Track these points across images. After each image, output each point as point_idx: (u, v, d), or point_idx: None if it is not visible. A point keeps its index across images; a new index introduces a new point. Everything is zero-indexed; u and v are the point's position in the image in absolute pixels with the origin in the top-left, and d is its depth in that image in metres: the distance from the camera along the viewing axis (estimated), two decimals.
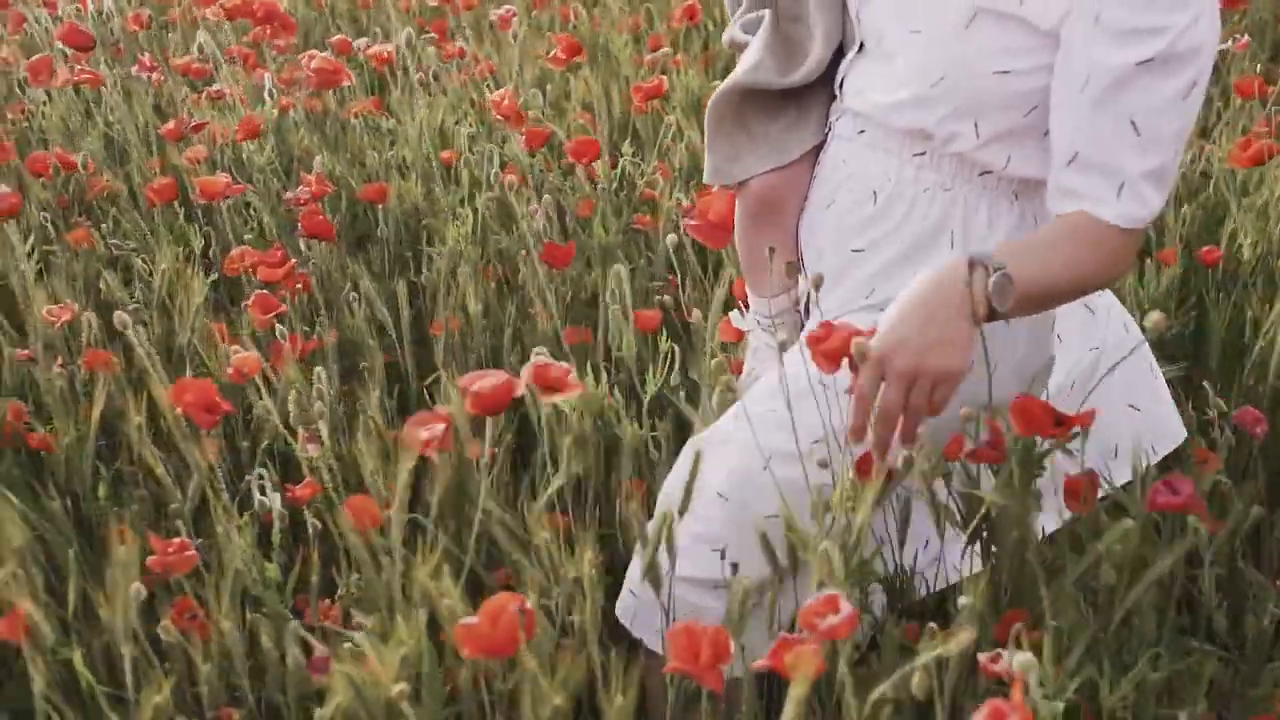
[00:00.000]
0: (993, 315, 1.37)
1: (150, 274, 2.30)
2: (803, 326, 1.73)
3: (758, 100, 1.67)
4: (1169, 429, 1.87)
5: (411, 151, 2.73)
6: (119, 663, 1.51)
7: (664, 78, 2.87)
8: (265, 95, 2.88)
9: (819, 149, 1.67)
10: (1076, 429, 1.41)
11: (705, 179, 1.74)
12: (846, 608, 1.18)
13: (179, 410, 1.61)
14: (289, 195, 2.33)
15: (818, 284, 1.53)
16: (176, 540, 1.50)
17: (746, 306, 1.83)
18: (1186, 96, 1.38)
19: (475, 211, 2.41)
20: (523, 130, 2.51)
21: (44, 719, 1.34)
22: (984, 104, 1.47)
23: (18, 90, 3.08)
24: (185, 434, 1.60)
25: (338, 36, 3.10)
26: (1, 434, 1.93)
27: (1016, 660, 1.21)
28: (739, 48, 1.74)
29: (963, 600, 1.32)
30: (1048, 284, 1.42)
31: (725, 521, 1.56)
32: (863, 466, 1.39)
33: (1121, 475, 1.71)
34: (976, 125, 1.48)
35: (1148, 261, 2.42)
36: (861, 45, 1.59)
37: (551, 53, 3.06)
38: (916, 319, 1.35)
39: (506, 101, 2.41)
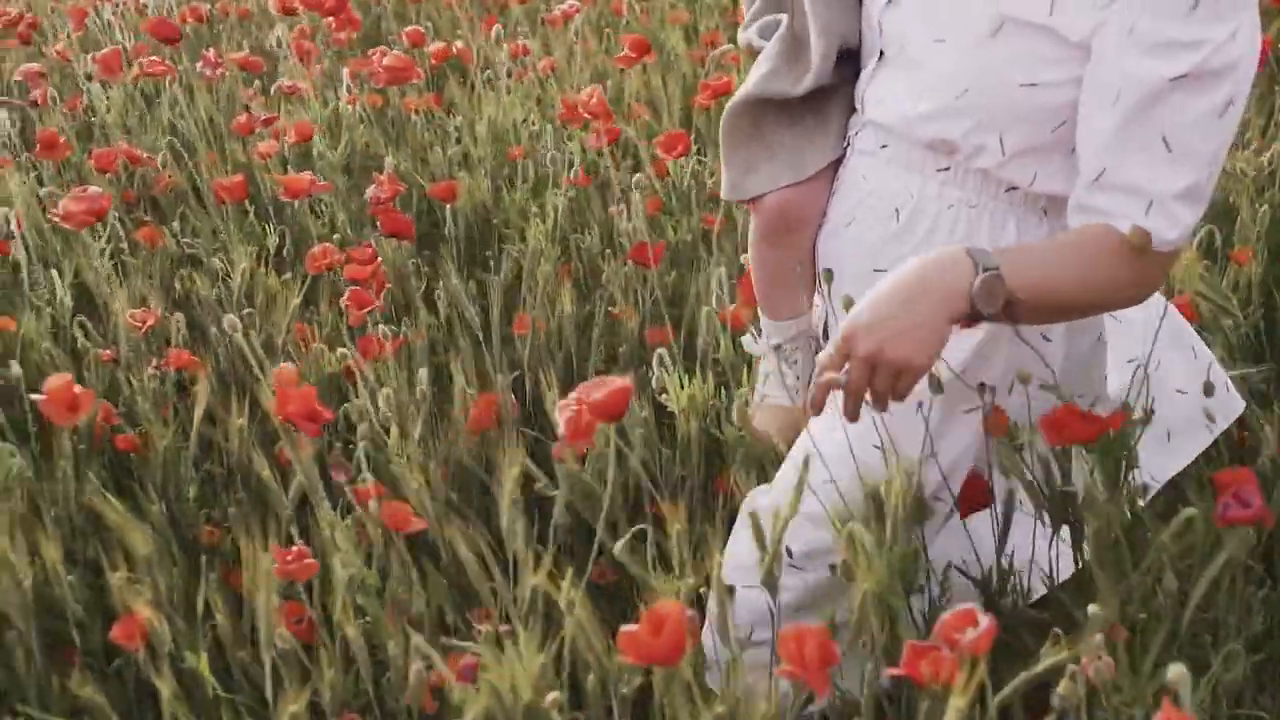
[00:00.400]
0: (977, 316, 1.33)
1: (229, 273, 2.28)
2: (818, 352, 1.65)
3: (774, 111, 1.60)
4: (1228, 406, 1.82)
5: (481, 148, 2.70)
6: (234, 669, 1.51)
7: (732, 76, 2.85)
8: (343, 90, 2.85)
9: (838, 164, 1.61)
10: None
11: (722, 195, 1.68)
12: (985, 621, 1.17)
13: (281, 420, 1.59)
14: (370, 193, 2.30)
15: (848, 305, 1.46)
16: (295, 548, 1.48)
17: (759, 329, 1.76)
18: (1223, 114, 1.32)
19: (556, 209, 2.39)
20: (597, 128, 2.49)
21: None
22: (1010, 117, 1.41)
23: (80, 84, 3.06)
24: (293, 440, 1.58)
25: (410, 29, 3.07)
26: (90, 436, 1.91)
27: (1171, 671, 1.19)
28: (754, 52, 1.67)
29: (1093, 609, 1.30)
30: (1052, 294, 1.37)
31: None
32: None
33: (1175, 464, 1.74)
34: (1002, 140, 1.42)
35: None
36: (882, 54, 1.52)
37: (612, 50, 3.05)
38: (892, 302, 1.32)
39: (595, 99, 2.38)
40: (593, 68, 3.35)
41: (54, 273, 2.10)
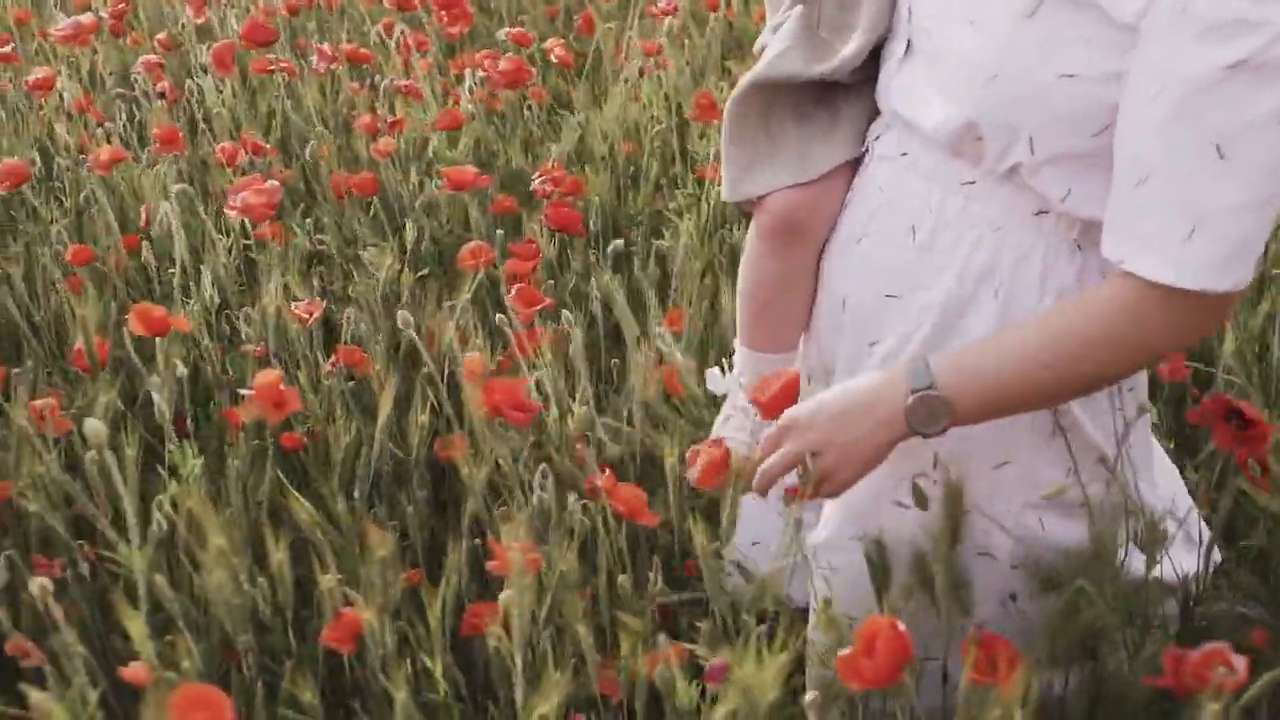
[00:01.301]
0: (928, 434, 1.26)
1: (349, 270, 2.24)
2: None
3: (783, 102, 1.43)
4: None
5: (604, 144, 2.67)
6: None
7: None
8: (463, 88, 2.81)
9: (854, 171, 1.43)
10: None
11: (723, 196, 1.50)
12: (1239, 662, 1.14)
13: (485, 411, 1.55)
14: (535, 186, 2.26)
15: (873, 342, 1.38)
16: (517, 542, 1.44)
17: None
18: None
19: (709, 203, 2.35)
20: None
21: None
22: (1043, 113, 1.22)
23: (193, 77, 3.02)
24: (497, 433, 1.54)
25: (514, 30, 3.03)
26: (251, 434, 1.87)
27: None
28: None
29: None
30: (1017, 394, 1.26)
31: None
32: None
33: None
34: (1032, 140, 1.23)
35: None
36: (910, 44, 1.35)
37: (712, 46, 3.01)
38: (834, 410, 1.29)
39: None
40: (693, 65, 3.31)
41: (202, 268, 2.07)
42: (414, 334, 1.77)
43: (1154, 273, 1.17)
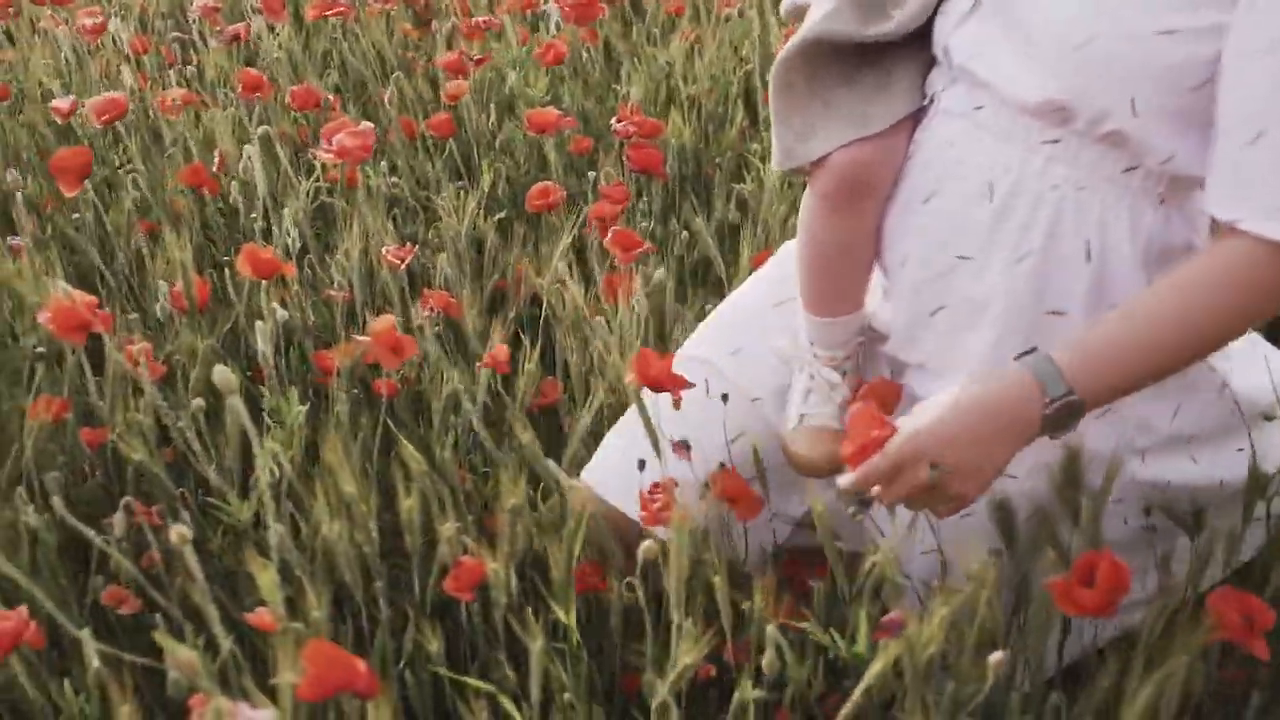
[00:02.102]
0: (1056, 436, 1.21)
1: (451, 214, 2.19)
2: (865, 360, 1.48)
3: (829, 64, 1.36)
4: None
5: (689, 86, 2.61)
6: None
7: None
8: (552, 26, 2.76)
9: (915, 126, 1.36)
10: None
11: (774, 165, 1.43)
12: None
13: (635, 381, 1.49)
14: (616, 128, 2.21)
15: (937, 308, 1.32)
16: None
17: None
18: None
19: None
20: None
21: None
22: (1143, 74, 1.17)
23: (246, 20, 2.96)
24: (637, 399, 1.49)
25: None
26: (352, 379, 1.84)
27: None
28: (800, 12, 1.43)
29: None
30: (1146, 376, 1.21)
31: None
32: None
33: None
34: (1134, 102, 1.18)
35: None
36: (977, 3, 1.28)
37: None
38: (963, 438, 1.17)
39: None
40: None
41: (285, 211, 2.03)
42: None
43: (1267, 229, 1.14)
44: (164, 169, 2.39)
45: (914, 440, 1.18)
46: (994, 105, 1.27)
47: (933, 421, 1.18)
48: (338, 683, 1.05)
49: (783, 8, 1.50)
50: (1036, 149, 1.26)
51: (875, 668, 1.14)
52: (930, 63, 1.37)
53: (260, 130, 2.12)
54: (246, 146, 1.96)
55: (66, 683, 1.34)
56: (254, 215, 2.13)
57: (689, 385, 1.38)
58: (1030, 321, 1.30)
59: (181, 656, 1.14)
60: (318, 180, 2.30)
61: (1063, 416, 1.17)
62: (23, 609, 1.32)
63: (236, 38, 2.63)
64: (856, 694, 1.15)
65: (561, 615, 1.29)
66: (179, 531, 1.20)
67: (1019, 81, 1.24)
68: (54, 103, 2.28)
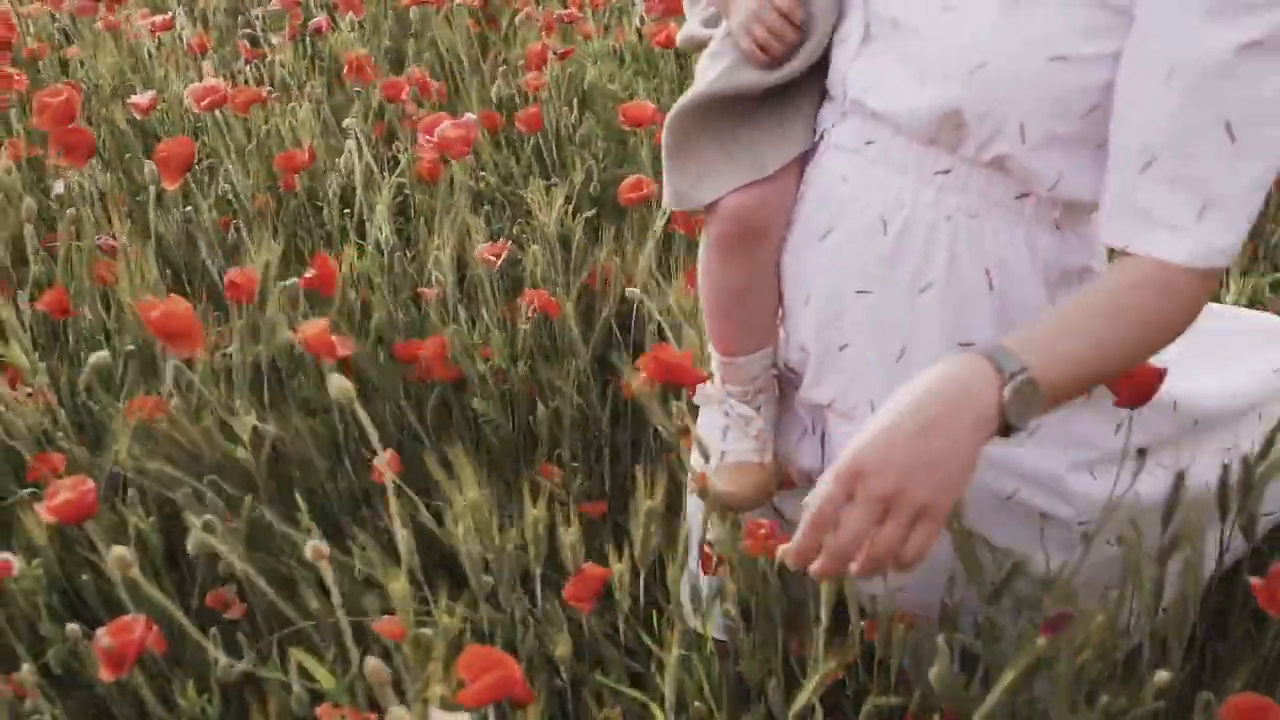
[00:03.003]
0: (1008, 431, 1.06)
1: (541, 209, 2.16)
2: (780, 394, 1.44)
3: (731, 106, 1.33)
4: None
5: None
6: None
7: None
8: (635, 19, 2.72)
9: (805, 165, 1.34)
10: None
11: (665, 205, 1.39)
12: None
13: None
14: None
15: (843, 345, 1.28)
16: None
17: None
18: None
19: None
20: None
21: None
22: (1034, 99, 1.15)
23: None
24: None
25: None
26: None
27: None
28: (698, 44, 1.41)
29: None
30: (1094, 370, 1.13)
31: None
32: None
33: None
34: (1023, 127, 1.16)
35: None
36: (868, 31, 1.26)
37: None
38: (909, 428, 1.02)
39: None
40: None
41: (378, 208, 1.99)
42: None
43: (1167, 252, 1.12)
44: (245, 164, 2.36)
45: (855, 457, 1.03)
46: (886, 139, 1.26)
47: (874, 433, 1.03)
48: (497, 689, 1.03)
49: (679, 38, 1.48)
50: (929, 180, 1.24)
51: (1018, 665, 1.12)
52: (823, 95, 1.34)
53: (349, 121, 2.08)
54: (348, 141, 1.92)
55: (190, 684, 1.31)
56: (348, 210, 2.10)
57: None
58: (938, 355, 1.18)
59: (371, 665, 1.11)
60: (402, 175, 2.28)
61: (1021, 401, 1.05)
62: (142, 617, 1.30)
63: (318, 30, 2.59)
64: (997, 691, 1.12)
65: (698, 626, 1.25)
66: (315, 548, 1.17)
67: (913, 107, 1.21)
68: (133, 98, 2.25)
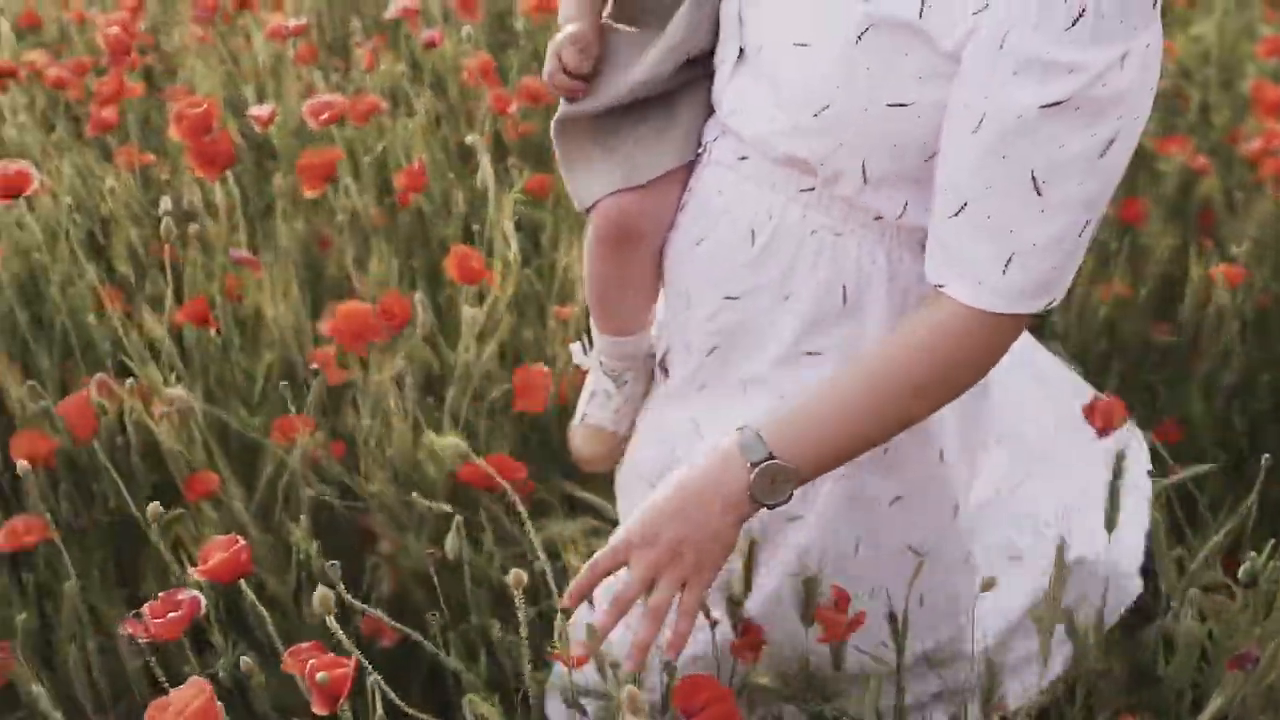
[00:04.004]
0: (770, 506, 1.20)
1: None
2: (653, 377, 1.52)
3: (611, 110, 1.37)
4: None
5: None
6: None
7: None
8: None
9: (689, 172, 1.38)
10: None
11: (577, 207, 1.45)
12: None
13: None
14: None
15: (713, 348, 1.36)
16: None
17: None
18: (1103, 154, 1.11)
19: None
20: None
21: None
22: (874, 142, 1.19)
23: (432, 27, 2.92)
24: None
25: None
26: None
27: None
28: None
29: None
30: (853, 442, 1.23)
31: None
32: None
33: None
34: (865, 166, 1.21)
35: None
36: (743, 52, 1.29)
37: None
38: (668, 510, 1.19)
39: None
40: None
41: (507, 223, 1.98)
42: None
43: (973, 299, 1.17)
44: (361, 177, 2.35)
45: (625, 533, 1.20)
46: (756, 156, 1.29)
47: (643, 512, 1.20)
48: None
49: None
50: (795, 197, 1.28)
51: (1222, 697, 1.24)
52: (710, 109, 1.37)
53: (471, 138, 2.06)
54: (483, 158, 1.90)
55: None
56: (476, 225, 2.09)
57: None
58: (787, 361, 1.33)
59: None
60: (519, 190, 2.26)
61: (769, 483, 1.18)
62: (314, 645, 1.28)
63: (431, 44, 2.58)
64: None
65: None
66: (517, 574, 1.20)
67: (769, 136, 1.25)
68: (252, 110, 2.23)
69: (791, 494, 1.19)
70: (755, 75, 1.27)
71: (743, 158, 1.30)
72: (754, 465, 1.17)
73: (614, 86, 1.34)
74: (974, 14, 1.10)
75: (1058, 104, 1.08)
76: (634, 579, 1.19)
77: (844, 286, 1.29)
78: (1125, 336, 2.33)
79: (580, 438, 1.58)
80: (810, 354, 1.32)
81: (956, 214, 1.15)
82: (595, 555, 1.21)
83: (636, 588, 1.19)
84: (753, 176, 1.29)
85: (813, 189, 1.26)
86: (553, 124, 1.40)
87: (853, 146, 1.19)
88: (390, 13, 2.64)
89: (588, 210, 1.41)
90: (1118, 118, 1.10)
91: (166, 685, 1.12)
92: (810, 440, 1.20)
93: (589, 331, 1.55)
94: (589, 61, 1.34)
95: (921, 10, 1.12)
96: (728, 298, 1.34)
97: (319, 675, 1.07)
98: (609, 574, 1.20)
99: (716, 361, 1.38)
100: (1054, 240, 1.14)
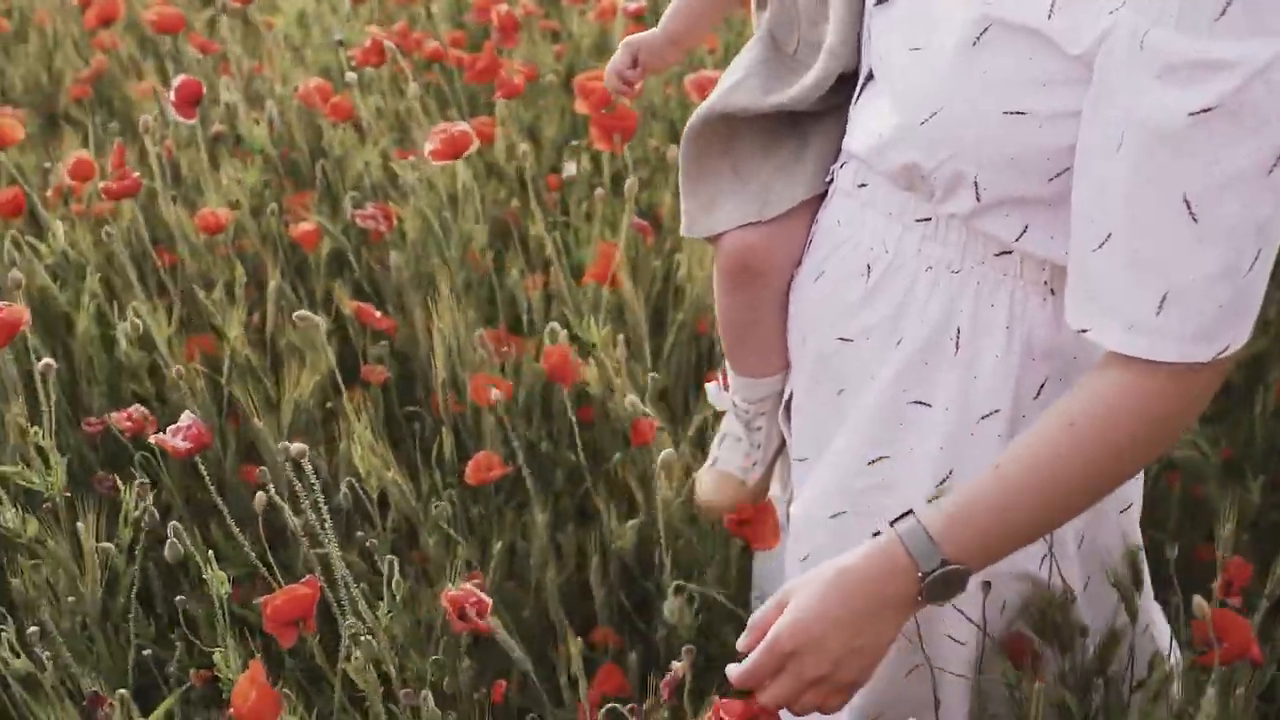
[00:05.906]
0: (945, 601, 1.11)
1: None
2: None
3: (748, 129, 1.32)
4: None
5: None
6: None
7: None
8: None
9: (816, 208, 1.32)
10: None
11: (682, 231, 1.39)
12: None
13: None
14: None
15: (840, 390, 1.28)
16: None
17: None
18: (1272, 169, 0.95)
19: None
20: None
21: None
22: (989, 155, 1.07)
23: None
24: None
25: None
26: None
27: None
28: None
29: None
30: (1033, 529, 1.12)
31: None
32: None
33: None
34: (978, 181, 1.09)
35: None
36: (871, 73, 1.22)
37: None
38: (839, 616, 1.08)
39: None
40: None
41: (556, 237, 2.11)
42: None
43: (1123, 344, 1.03)
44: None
45: (795, 634, 1.09)
46: (873, 181, 1.21)
47: (812, 616, 1.09)
48: None
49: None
50: (912, 227, 1.19)
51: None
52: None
53: (570, 167, 2.20)
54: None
55: None
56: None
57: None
58: (892, 410, 1.23)
59: None
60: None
61: (940, 587, 1.08)
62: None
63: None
64: None
65: None
66: (673, 607, 1.20)
67: (882, 149, 1.17)
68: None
69: (965, 587, 1.10)
70: (879, 91, 1.19)
71: (862, 184, 1.23)
72: (927, 575, 1.07)
73: (792, 86, 1.29)
74: (1110, 11, 0.98)
75: (1209, 110, 0.93)
76: (792, 685, 1.10)
77: (958, 329, 1.18)
78: None
79: (707, 482, 1.52)
80: (918, 403, 1.21)
81: (1099, 247, 1.02)
82: (747, 664, 1.11)
83: (793, 693, 1.11)
84: (871, 203, 1.22)
85: (929, 219, 1.17)
86: (686, 137, 1.35)
87: (965, 157, 1.09)
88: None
89: (710, 240, 1.37)
90: None
91: None
92: (988, 537, 1.09)
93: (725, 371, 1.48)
94: (634, 68, 1.43)
95: (1051, 9, 1.01)
96: (840, 339, 1.26)
97: None
98: (772, 672, 1.11)
99: (823, 407, 1.31)
100: (1217, 274, 0.98)
